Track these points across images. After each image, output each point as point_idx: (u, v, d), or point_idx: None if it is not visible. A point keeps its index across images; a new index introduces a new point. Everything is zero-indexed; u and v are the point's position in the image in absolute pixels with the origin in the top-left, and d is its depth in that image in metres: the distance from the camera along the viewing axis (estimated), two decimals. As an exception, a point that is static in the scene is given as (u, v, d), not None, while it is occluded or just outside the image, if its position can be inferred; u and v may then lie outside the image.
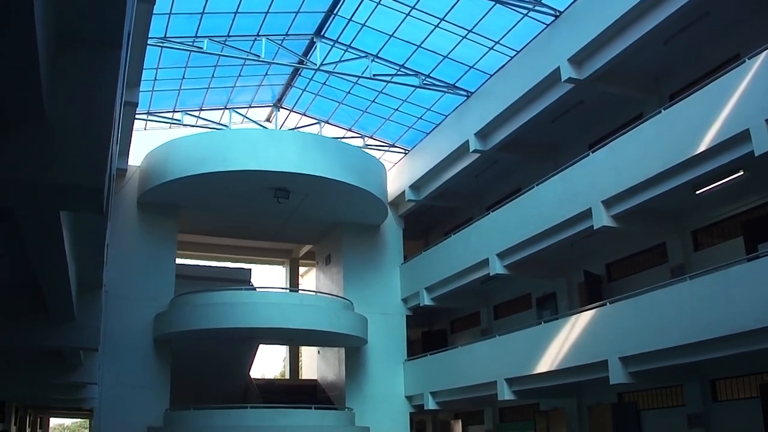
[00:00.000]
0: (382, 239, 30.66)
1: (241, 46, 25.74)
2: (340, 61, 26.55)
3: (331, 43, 26.25)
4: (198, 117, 30.79)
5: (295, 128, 31.87)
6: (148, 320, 26.34)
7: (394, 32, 24.76)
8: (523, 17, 22.54)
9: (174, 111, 30.15)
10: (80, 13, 5.65)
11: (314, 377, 34.91)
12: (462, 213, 31.25)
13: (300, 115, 32.19)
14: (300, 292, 33.24)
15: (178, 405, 25.99)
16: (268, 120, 32.79)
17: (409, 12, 23.37)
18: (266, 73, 28.90)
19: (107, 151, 6.46)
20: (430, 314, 32.62)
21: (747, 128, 15.02)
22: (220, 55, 25.28)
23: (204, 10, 23.25)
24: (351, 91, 28.93)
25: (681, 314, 16.78)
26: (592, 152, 20.38)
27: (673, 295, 17.39)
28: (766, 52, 15.06)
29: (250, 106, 31.93)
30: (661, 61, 20.60)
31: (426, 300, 28.49)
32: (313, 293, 30.53)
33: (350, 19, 24.78)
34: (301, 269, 38.90)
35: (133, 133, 24.49)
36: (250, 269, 31.93)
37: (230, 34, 24.98)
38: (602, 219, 19.16)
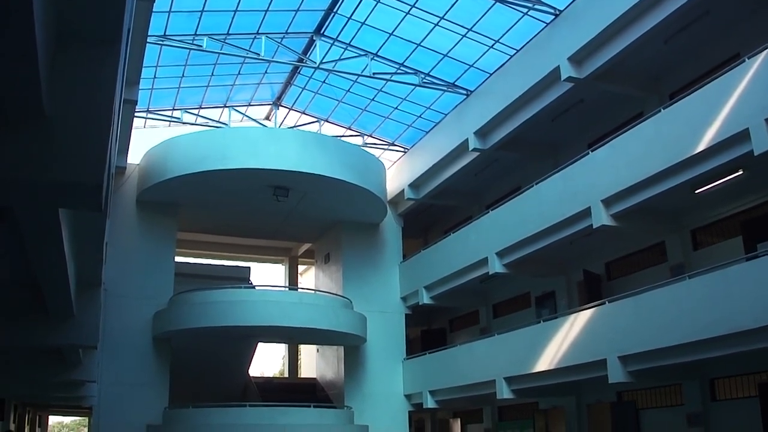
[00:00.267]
0: (381, 238, 30.66)
1: (241, 44, 25.73)
2: (339, 59, 26.54)
3: (331, 42, 26.23)
4: (197, 115, 30.79)
5: (294, 126, 31.85)
6: (147, 318, 26.34)
7: (394, 31, 24.75)
8: (523, 16, 22.53)
9: (173, 109, 30.15)
10: (80, 11, 5.65)
11: (313, 376, 34.92)
12: (461, 211, 31.24)
13: (299, 114, 32.18)
14: (299, 290, 33.24)
15: (177, 403, 25.99)
16: (267, 118, 32.78)
17: (409, 10, 23.36)
18: (266, 72, 28.88)
19: (106, 148, 6.45)
20: (429, 313, 32.63)
21: (746, 127, 15.01)
22: (219, 53, 25.28)
23: (203, 8, 23.24)
24: (350, 90, 28.91)
25: (680, 313, 16.78)
26: (592, 151, 20.38)
27: (672, 294, 17.39)
28: (765, 51, 15.05)
29: (250, 105, 31.94)
30: (661, 60, 20.59)
31: (425, 298, 28.49)
32: (312, 291, 30.55)
33: (350, 18, 24.77)
34: (300, 267, 38.93)
35: (133, 131, 24.48)
36: (249, 267, 31.95)
37: (230, 32, 24.97)
38: (602, 218, 19.16)
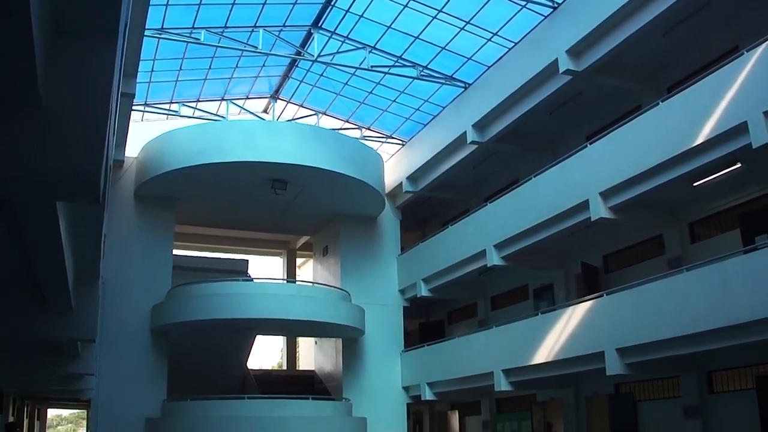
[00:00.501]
0: (379, 230, 30.67)
1: (239, 38, 25.70)
2: (337, 52, 26.52)
3: (329, 35, 26.20)
4: (195, 108, 30.78)
5: (292, 119, 31.84)
6: (145, 311, 26.34)
7: (392, 23, 24.72)
8: (521, 8, 22.51)
9: (171, 102, 30.13)
10: (77, 3, 5.63)
11: (311, 368, 34.96)
12: (459, 204, 31.25)
13: (297, 107, 32.15)
14: (297, 283, 33.24)
15: (176, 396, 26.02)
16: (265, 111, 32.75)
17: (407, 3, 23.33)
18: (263, 65, 28.87)
19: (104, 141, 6.45)
20: (428, 305, 32.66)
21: (745, 120, 15.02)
22: (217, 46, 25.23)
23: (201, 1, 23.21)
24: (348, 83, 28.89)
25: (678, 306, 16.81)
26: (590, 144, 20.37)
27: (670, 287, 17.42)
28: (764, 44, 15.04)
29: (248, 98, 31.91)
30: (659, 53, 20.57)
31: (423, 291, 28.51)
32: (311, 284, 30.52)
33: (348, 10, 24.74)
34: (299, 260, 38.92)
35: (130, 124, 24.44)
36: (247, 260, 31.91)
37: (227, 25, 24.93)
38: (600, 210, 19.16)
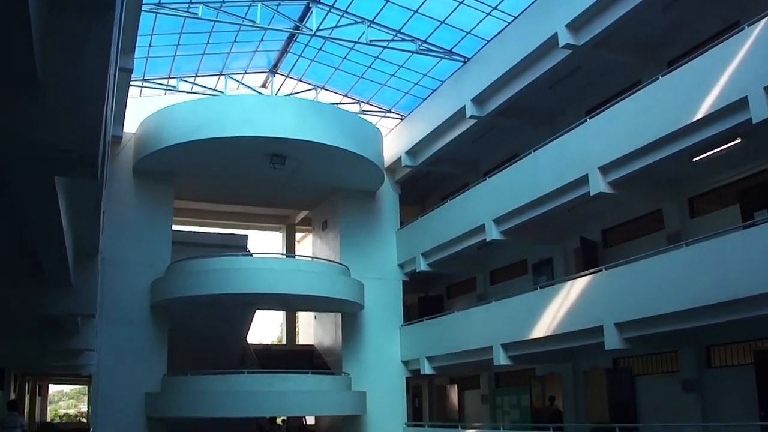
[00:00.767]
0: (378, 205, 30.65)
1: (237, 12, 25.56)
2: (336, 26, 26.39)
3: (327, 9, 26.04)
4: (193, 83, 30.66)
5: (291, 94, 31.75)
6: (144, 287, 26.38)
7: (391, -3, 24.59)
8: (520, -18, 22.40)
9: (169, 77, 30.00)
10: (74, -22, 5.59)
11: (311, 342, 35.14)
12: (458, 179, 31.22)
13: (296, 81, 32.04)
14: (297, 257, 33.26)
15: (176, 371, 26.13)
16: (263, 86, 32.64)
17: (406, -24, 23.21)
18: (262, 39, 28.72)
19: (101, 116, 6.43)
20: (427, 280, 32.69)
21: (745, 96, 14.95)
22: (215, 21, 25.12)
23: (199, -26, 23.08)
24: (347, 57, 28.76)
25: (676, 281, 16.83)
26: (590, 118, 20.31)
27: (668, 262, 17.43)
28: (765, 19, 14.95)
29: (246, 72, 31.79)
30: (659, 28, 20.45)
31: (422, 265, 28.55)
32: (310, 259, 30.59)
33: (346, -16, 24.60)
34: (298, 235, 38.95)
35: (129, 99, 24.36)
36: (246, 235, 31.99)
37: (225, -1, 24.80)
38: (599, 185, 19.13)
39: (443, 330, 27.16)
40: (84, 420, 54.87)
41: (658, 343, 19.71)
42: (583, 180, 19.67)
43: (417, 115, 29.58)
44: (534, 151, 22.43)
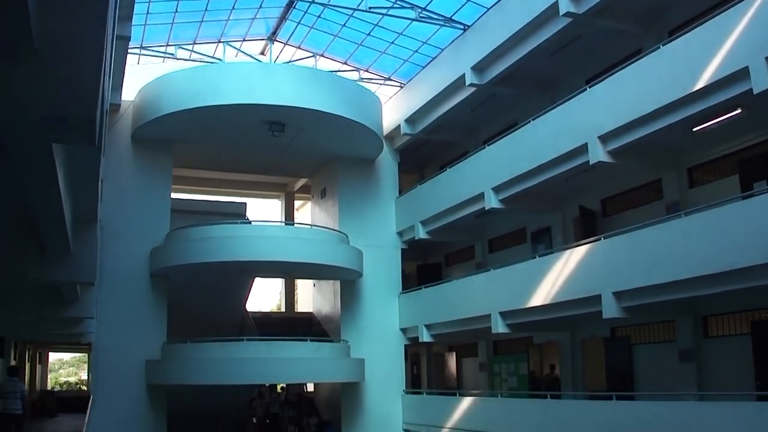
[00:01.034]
0: (377, 173, 30.62)
1: (235, -22, 25.35)
2: (335, -7, 26.20)
3: (326, -25, 25.85)
4: (191, 51, 30.45)
5: (289, 62, 31.56)
6: (143, 255, 26.41)
7: (391, -37, 24.39)
8: (521, -52, 22.17)
9: (167, 45, 29.78)
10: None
11: (310, 310, 35.28)
12: (458, 147, 31.15)
13: (295, 49, 31.82)
14: (295, 225, 33.26)
15: (175, 338, 26.24)
16: (262, 53, 32.42)
17: (406, -58, 22.98)
18: (260, 6, 28.44)
19: (98, 81, 6.39)
20: (425, 247, 32.75)
21: (746, 66, 14.91)
22: (213, -14, 24.90)
23: (197, -60, 22.85)
24: (346, 24, 28.51)
25: (675, 250, 16.87)
26: (590, 87, 20.24)
27: (667, 232, 17.46)
28: (767, -13, 14.87)
29: (244, 40, 31.54)
30: (661, -5, 20.34)
31: (421, 233, 28.57)
32: (309, 226, 30.58)
33: (346, -50, 24.37)
34: (297, 203, 38.94)
35: (127, 68, 24.20)
36: (245, 203, 31.92)
37: (224, -36, 24.58)
38: (598, 154, 19.11)
39: (442, 298, 27.25)
40: (84, 387, 55.19)
41: (656, 313, 19.80)
42: (583, 149, 19.64)
43: (416, 83, 29.45)
44: (533, 119, 22.37)
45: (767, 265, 14.40)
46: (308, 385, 34.59)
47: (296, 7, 28.72)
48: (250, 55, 31.64)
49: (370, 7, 25.95)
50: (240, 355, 24.66)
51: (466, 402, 25.08)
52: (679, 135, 18.62)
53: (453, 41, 26.95)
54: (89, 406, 23.22)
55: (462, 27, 26.38)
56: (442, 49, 27.79)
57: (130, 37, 20.97)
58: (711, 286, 15.91)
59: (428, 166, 34.42)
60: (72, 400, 35.72)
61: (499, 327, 23.24)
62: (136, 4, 19.68)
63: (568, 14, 20.07)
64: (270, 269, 28.07)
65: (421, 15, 26.36)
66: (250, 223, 28.58)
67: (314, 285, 34.66)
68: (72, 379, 74.51)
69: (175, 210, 27.61)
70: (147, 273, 26.39)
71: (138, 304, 26.13)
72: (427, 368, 34.63)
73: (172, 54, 29.96)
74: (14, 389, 18.07)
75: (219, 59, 30.41)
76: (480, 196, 24.53)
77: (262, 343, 25.82)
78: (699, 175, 20.41)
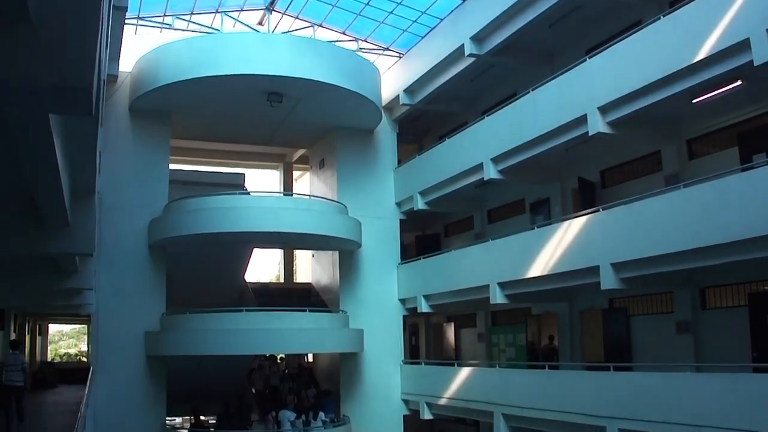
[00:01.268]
0: (376, 143, 30.56)
1: (233, -54, 25.11)
2: (333, -39, 25.97)
3: (325, -57, 25.61)
4: (189, 21, 30.20)
5: (287, 32, 31.36)
6: (142, 226, 26.42)
7: (389, -68, 24.15)
8: None
9: (164, 15, 29.56)
10: None
11: (309, 281, 35.34)
12: (457, 117, 31.05)
13: (293, 18, 31.58)
14: (294, 196, 33.23)
15: (174, 309, 26.31)
16: (260, 23, 32.18)
17: None
18: (258, -25, 28.30)
19: (95, 51, 6.35)
20: (424, 218, 32.72)
21: (747, 37, 14.83)
22: (210, -45, 24.67)
23: None
24: (345, -7, 28.37)
25: (673, 222, 16.87)
26: (590, 58, 20.13)
27: (666, 203, 17.46)
28: (769, -43, 14.75)
29: (242, 10, 31.29)
30: (661, -36, 20.18)
31: (420, 204, 28.57)
32: (307, 197, 30.56)
33: None
34: (295, 173, 38.87)
35: (124, 38, 24.04)
36: (243, 174, 31.87)
37: (221, -67, 24.34)
38: (597, 125, 19.05)
39: (440, 268, 27.30)
40: (84, 359, 55.37)
41: (654, 284, 19.82)
42: (582, 120, 19.58)
43: (415, 53, 29.30)
44: (533, 90, 22.28)
45: (766, 237, 14.42)
46: (308, 355, 34.73)
47: (294, -24, 28.54)
48: (248, 25, 31.41)
49: (368, -23, 25.76)
50: (239, 325, 24.74)
51: (465, 372, 25.21)
52: (679, 106, 18.55)
53: (452, 11, 26.76)
54: (89, 378, 23.30)
55: (461, -4, 26.20)
56: (441, 19, 27.62)
57: (127, 8, 20.87)
58: (709, 257, 15.93)
59: (427, 136, 34.34)
60: (72, 372, 35.80)
61: (498, 297, 23.30)
62: (133, -26, 19.53)
63: (568, -16, 19.93)
64: (268, 240, 28.09)
65: (421, -16, 26.17)
66: (248, 193, 28.58)
67: (313, 256, 34.69)
68: (72, 351, 74.73)
69: (173, 181, 27.59)
70: (146, 244, 26.42)
71: (137, 275, 26.18)
72: (425, 339, 34.76)
73: (169, 24, 29.73)
74: (15, 362, 18.13)
75: (217, 29, 30.19)
76: (479, 167, 24.50)
77: (261, 313, 25.89)
78: (698, 147, 20.35)
